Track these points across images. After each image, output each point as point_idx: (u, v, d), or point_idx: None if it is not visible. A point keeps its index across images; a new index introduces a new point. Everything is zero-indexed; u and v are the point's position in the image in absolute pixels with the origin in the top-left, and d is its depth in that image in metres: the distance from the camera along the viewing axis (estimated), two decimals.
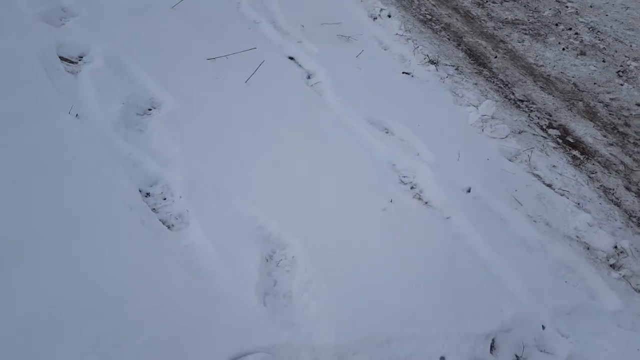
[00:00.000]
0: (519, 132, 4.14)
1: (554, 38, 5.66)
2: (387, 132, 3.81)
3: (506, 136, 3.96)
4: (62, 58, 3.33)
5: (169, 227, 2.37)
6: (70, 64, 3.31)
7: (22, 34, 3.30)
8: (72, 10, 3.97)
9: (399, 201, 3.04)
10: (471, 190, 3.31)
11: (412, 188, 3.27)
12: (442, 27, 5.68)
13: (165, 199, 2.53)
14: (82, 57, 3.45)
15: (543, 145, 4.03)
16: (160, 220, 2.38)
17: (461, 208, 3.08)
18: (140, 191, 2.50)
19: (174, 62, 3.66)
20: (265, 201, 2.64)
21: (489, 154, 3.76)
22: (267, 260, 2.37)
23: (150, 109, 3.19)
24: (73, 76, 3.16)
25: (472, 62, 5.11)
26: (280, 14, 5.14)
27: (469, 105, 4.30)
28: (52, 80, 2.99)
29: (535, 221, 3.17)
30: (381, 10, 5.63)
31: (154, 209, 2.45)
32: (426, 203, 3.13)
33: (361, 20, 5.48)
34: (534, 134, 4.17)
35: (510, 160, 3.79)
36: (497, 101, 4.55)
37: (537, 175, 3.66)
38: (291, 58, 4.52)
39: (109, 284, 1.95)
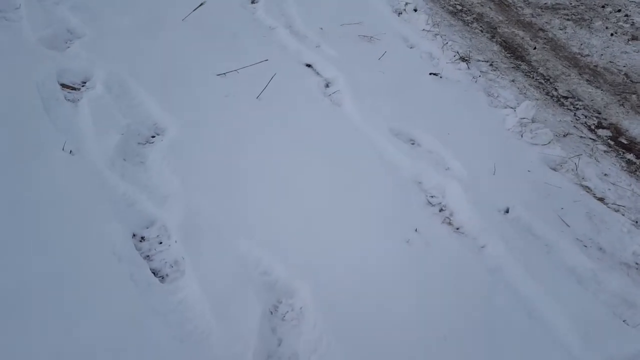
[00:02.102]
0: (564, 136, 3.62)
1: (600, 22, 5.01)
2: (412, 144, 3.41)
3: (549, 142, 3.46)
4: (64, 85, 3.13)
5: (162, 278, 2.11)
6: (72, 91, 3.11)
7: (23, 63, 3.12)
8: (78, 31, 3.79)
9: (426, 229, 2.65)
10: (509, 210, 2.87)
11: (441, 210, 2.87)
12: (473, 18, 5.15)
13: (161, 242, 2.26)
14: (85, 83, 3.25)
15: (592, 150, 3.50)
16: (153, 270, 2.12)
17: (498, 234, 2.66)
18: (134, 236, 2.25)
19: (181, 82, 3.40)
20: (271, 240, 2.34)
21: (530, 164, 3.29)
22: (271, 313, 2.06)
23: (153, 136, 2.94)
24: (73, 105, 2.95)
25: (508, 55, 4.58)
26: (297, 17, 4.79)
27: (505, 107, 3.81)
28: (49, 111, 2.79)
29: (586, 246, 2.70)
30: (406, 4, 5.16)
31: (147, 256, 2.19)
32: (457, 229, 2.73)
33: (385, 17, 5.04)
34: (581, 137, 3.64)
35: (554, 170, 3.30)
36: (537, 100, 4.03)
37: (587, 187, 3.16)
38: (309, 65, 4.17)
39: (83, 354, 1.70)
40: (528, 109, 3.60)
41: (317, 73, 4.09)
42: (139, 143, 2.84)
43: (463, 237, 2.66)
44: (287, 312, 2.08)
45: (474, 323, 2.19)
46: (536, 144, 3.46)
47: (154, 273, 2.10)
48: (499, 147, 3.41)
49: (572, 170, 3.27)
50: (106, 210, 2.25)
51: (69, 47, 3.59)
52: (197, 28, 4.18)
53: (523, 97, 4.02)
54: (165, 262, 2.17)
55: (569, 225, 2.79)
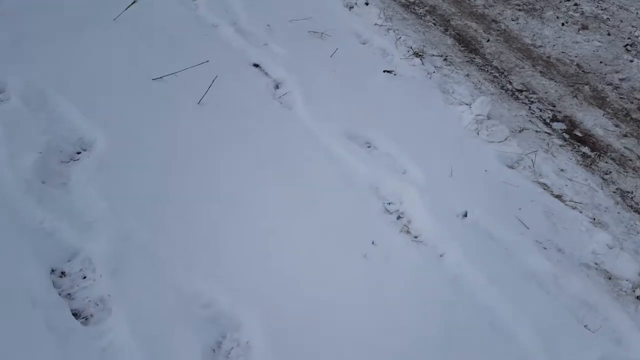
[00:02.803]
0: (520, 131, 3.57)
1: (551, 12, 5.02)
2: (369, 147, 3.26)
3: (505, 138, 3.39)
4: None
5: (85, 319, 1.86)
6: None
7: None
8: None
9: (384, 240, 2.50)
10: (468, 214, 2.77)
11: (398, 218, 2.73)
12: (426, 11, 5.05)
13: (85, 277, 2.01)
14: None
15: (548, 145, 3.46)
16: (75, 311, 1.88)
17: (457, 240, 2.55)
18: (53, 271, 1.99)
19: (111, 89, 3.10)
20: (214, 268, 2.13)
21: (487, 162, 3.20)
22: (214, 351, 1.86)
23: (79, 152, 2.65)
24: None
25: (462, 49, 4.51)
26: (242, 13, 4.53)
27: (461, 104, 3.72)
28: None
29: (545, 248, 2.63)
30: None
31: (68, 294, 1.94)
32: (416, 237, 2.60)
33: (335, 12, 4.85)
34: (537, 131, 3.60)
35: (512, 168, 3.23)
36: (492, 94, 3.96)
37: (544, 185, 3.10)
38: (256, 65, 3.94)
39: None
40: (483, 105, 3.52)
41: (266, 73, 3.86)
42: (61, 161, 2.55)
43: (422, 246, 2.53)
44: (232, 348, 1.89)
45: (435, 338, 2.06)
46: (492, 142, 3.38)
47: (75, 315, 1.86)
48: (455, 146, 3.31)
49: (529, 167, 3.21)
50: (19, 245, 1.98)
51: None
52: (130, 28, 3.85)
53: (478, 92, 3.94)
54: (89, 301, 1.92)
55: (527, 227, 2.71)
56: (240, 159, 2.82)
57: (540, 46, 4.55)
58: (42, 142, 2.51)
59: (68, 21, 3.69)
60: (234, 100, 3.33)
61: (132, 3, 3.93)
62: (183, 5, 4.48)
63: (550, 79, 4.14)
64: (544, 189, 3.07)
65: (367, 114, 3.48)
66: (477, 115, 3.52)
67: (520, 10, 5.05)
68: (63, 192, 2.33)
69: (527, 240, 2.63)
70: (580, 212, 2.89)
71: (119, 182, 2.42)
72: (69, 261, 2.06)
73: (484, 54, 4.44)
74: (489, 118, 3.52)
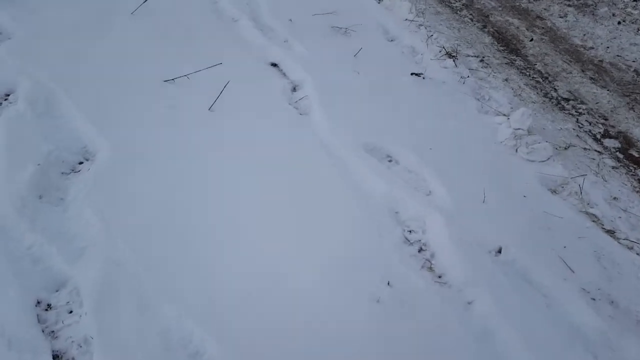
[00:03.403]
0: (565, 148, 3.08)
1: (606, 9, 4.40)
2: (390, 161, 2.86)
3: (548, 158, 2.92)
4: None
5: None
6: None
7: None
8: (7, 30, 3.16)
9: (401, 279, 2.12)
10: (502, 251, 2.35)
11: (420, 250, 2.34)
12: (463, 5, 4.52)
13: (71, 311, 1.76)
14: (8, 96, 2.67)
15: (598, 166, 2.97)
16: (56, 352, 1.62)
17: (488, 285, 2.14)
18: (38, 303, 1.74)
19: (121, 91, 2.82)
20: (208, 307, 1.81)
21: (526, 186, 2.75)
22: None
23: (81, 162, 2.39)
24: None
25: (502, 48, 3.99)
26: (264, 6, 4.15)
27: (497, 114, 3.25)
28: None
29: (594, 299, 2.19)
30: None
31: (52, 331, 1.68)
32: (439, 277, 2.21)
33: (363, 5, 4.40)
34: (585, 149, 3.10)
35: (555, 193, 2.77)
36: (534, 102, 3.46)
37: (593, 216, 2.64)
38: (274, 65, 3.57)
39: None
40: (523, 118, 3.04)
41: (284, 74, 3.49)
42: (62, 173, 2.28)
43: (446, 290, 2.14)
44: None
45: None
46: (533, 161, 2.92)
47: (56, 357, 1.59)
48: (489, 165, 2.87)
49: (576, 193, 2.74)
50: (3, 272, 1.72)
51: None
52: (147, 23, 3.55)
53: (518, 100, 3.45)
54: (72, 342, 1.66)
55: (573, 271, 2.27)
56: (248, 172, 2.48)
57: (592, 48, 3.98)
58: (43, 151, 2.26)
59: (86, 15, 3.43)
60: (247, 106, 2.98)
61: None
62: None
63: (602, 86, 3.60)
64: (594, 221, 2.60)
65: (389, 123, 3.07)
66: (516, 129, 3.05)
67: (569, 5, 4.46)
68: (59, 210, 2.08)
69: (572, 287, 2.20)
70: (638, 254, 2.42)
71: (116, 199, 2.15)
72: (56, 291, 1.80)
73: (526, 55, 3.91)
74: (529, 133, 3.05)
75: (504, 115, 3.21)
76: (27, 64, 2.86)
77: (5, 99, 2.67)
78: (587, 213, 2.64)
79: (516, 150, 2.98)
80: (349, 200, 2.49)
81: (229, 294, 1.90)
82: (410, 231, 2.45)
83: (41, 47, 3.04)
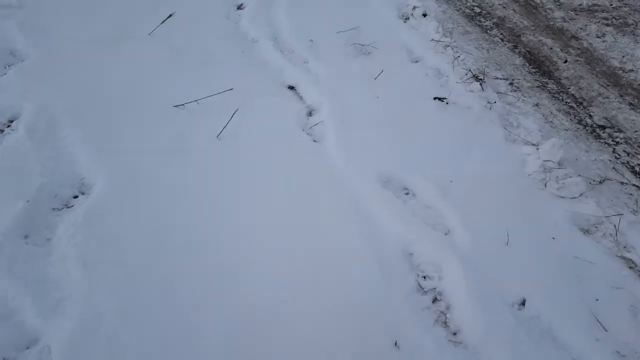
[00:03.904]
0: (600, 182, 2.79)
1: None
2: (407, 194, 2.66)
3: (580, 194, 2.65)
4: None
5: None
6: None
7: None
8: (22, 53, 3.17)
9: (411, 336, 1.93)
10: (525, 303, 2.11)
11: (434, 301, 2.13)
12: (493, 23, 4.26)
13: None
14: (12, 122, 2.63)
15: (637, 203, 2.67)
16: None
17: (509, 344, 1.91)
18: None
19: (128, 118, 2.75)
20: None
21: (555, 227, 2.49)
22: None
23: (76, 196, 2.30)
24: None
25: (533, 70, 3.71)
26: (286, 25, 4.03)
27: (526, 144, 2.99)
28: None
29: None
30: (414, 8, 4.30)
31: None
32: (454, 335, 1.99)
33: (388, 24, 4.21)
34: (622, 183, 2.80)
35: (587, 234, 2.50)
36: (566, 130, 3.18)
37: (631, 262, 2.35)
38: (291, 87, 3.44)
39: None
40: (554, 149, 2.78)
41: (300, 97, 3.35)
42: (53, 209, 2.20)
43: (461, 350, 1.92)
44: None
45: None
46: (564, 197, 2.65)
47: None
48: (515, 200, 2.62)
49: (611, 235, 2.46)
50: None
51: (5, 74, 2.97)
52: (164, 44, 3.50)
53: (549, 128, 3.18)
54: None
55: (606, 329, 2.01)
56: (253, 209, 2.34)
57: (631, 70, 3.65)
58: (36, 184, 2.20)
59: (102, 35, 3.41)
60: (258, 133, 2.85)
61: (169, 17, 3.56)
62: (225, 16, 4.07)
63: None
64: (631, 267, 2.32)
65: (408, 152, 2.88)
66: (545, 161, 2.79)
67: (607, 24, 4.13)
68: (42, 253, 1.98)
69: (605, 349, 1.94)
70: None
71: (102, 243, 2.04)
72: (28, 348, 1.68)
73: (559, 78, 3.62)
74: (560, 166, 2.78)
75: (533, 144, 2.95)
76: (34, 88, 2.83)
77: (8, 126, 2.63)
78: (623, 258, 2.36)
79: (545, 185, 2.72)
80: (356, 238, 2.32)
81: (216, 350, 1.75)
82: (424, 277, 2.25)
83: (52, 70, 3.01)
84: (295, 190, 2.49)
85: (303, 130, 3.03)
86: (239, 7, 4.29)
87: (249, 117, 2.97)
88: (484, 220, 2.48)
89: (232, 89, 2.94)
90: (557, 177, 2.72)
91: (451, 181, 2.70)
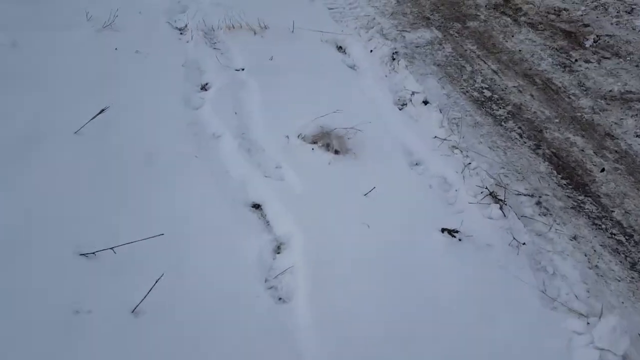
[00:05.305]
0: None
1: None
2: None
3: None
4: None
5: None
6: None
7: None
8: None
9: None
10: None
11: None
12: (508, 113, 3.47)
13: None
14: None
15: None
16: None
17: None
18: None
19: (13, 271, 1.86)
20: None
21: None
22: None
23: None
24: None
25: (564, 182, 2.89)
26: (258, 114, 3.22)
27: (570, 311, 2.12)
28: None
29: None
30: (413, 93, 3.51)
31: None
32: None
33: (381, 111, 3.41)
34: None
35: None
36: (618, 281, 2.32)
37: None
38: (256, 206, 2.59)
39: None
40: (615, 335, 1.91)
41: (267, 223, 2.50)
42: None
43: None
44: None
45: None
46: None
47: None
48: None
49: None
50: None
51: None
52: (91, 147, 2.65)
53: (595, 277, 2.32)
54: None
55: None
56: None
57: None
58: None
59: (14, 137, 2.55)
60: (195, 299, 1.97)
61: (101, 112, 2.72)
62: (182, 101, 3.25)
63: None
64: None
65: (404, 322, 2.02)
66: (602, 349, 1.91)
67: None
68: None
69: None
70: None
71: None
72: None
73: (598, 195, 2.80)
74: (625, 359, 1.90)
75: (582, 314, 2.08)
76: None
77: None
78: None
79: None
80: None
81: None
82: None
83: None
84: None
85: (265, 282, 2.15)
86: (203, 88, 3.49)
87: (191, 263, 2.10)
88: None
89: (162, 234, 2.06)
90: None
91: None
